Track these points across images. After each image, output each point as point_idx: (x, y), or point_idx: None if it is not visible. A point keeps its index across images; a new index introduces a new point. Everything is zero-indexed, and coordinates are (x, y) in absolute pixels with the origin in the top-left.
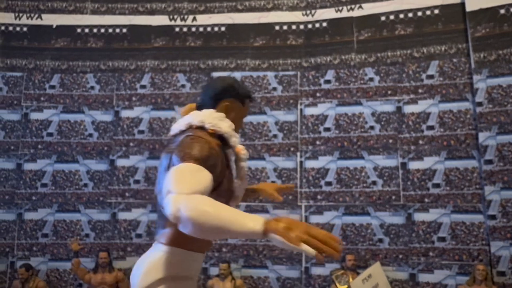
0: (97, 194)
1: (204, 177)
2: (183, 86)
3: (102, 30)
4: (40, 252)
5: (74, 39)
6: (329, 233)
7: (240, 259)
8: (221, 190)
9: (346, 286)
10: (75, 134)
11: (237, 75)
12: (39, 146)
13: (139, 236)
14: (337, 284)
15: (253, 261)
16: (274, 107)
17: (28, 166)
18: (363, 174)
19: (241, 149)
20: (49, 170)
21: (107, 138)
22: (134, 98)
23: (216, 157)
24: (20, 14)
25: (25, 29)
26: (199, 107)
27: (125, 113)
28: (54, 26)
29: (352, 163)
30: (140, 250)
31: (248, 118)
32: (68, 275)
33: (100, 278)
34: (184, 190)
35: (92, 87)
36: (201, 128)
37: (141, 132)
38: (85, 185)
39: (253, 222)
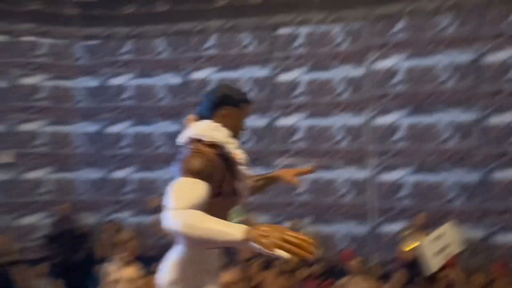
0: (174, 154)
1: (198, 189)
2: (246, 46)
3: None
4: (126, 207)
5: (141, 4)
6: (304, 236)
7: (308, 216)
8: (224, 192)
9: (414, 245)
10: (149, 98)
11: (302, 31)
12: (118, 111)
13: None
14: (405, 244)
15: (321, 218)
16: (340, 61)
17: (109, 130)
18: (436, 130)
19: (238, 154)
20: (129, 132)
21: (178, 101)
22: (200, 60)
23: (212, 167)
24: None
25: None
26: (200, 118)
27: (193, 75)
28: None
29: (423, 119)
30: None
31: (313, 76)
32: (149, 228)
33: None
34: (178, 205)
35: (161, 52)
36: (199, 140)
37: None
38: (161, 146)
39: (235, 233)
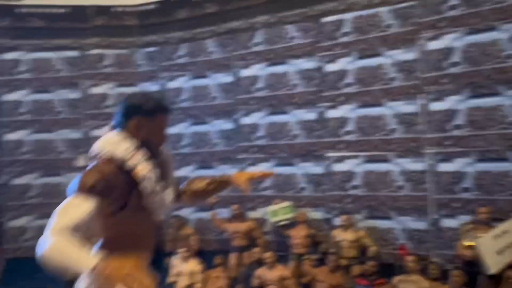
0: (227, 152)
1: (83, 208)
2: (293, 38)
3: None
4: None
5: (192, 8)
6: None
7: (363, 210)
8: (131, 205)
9: (472, 243)
10: (203, 98)
11: (348, 16)
12: (177, 112)
13: (266, 189)
14: (465, 240)
15: (376, 212)
16: (390, 46)
17: (171, 130)
18: (499, 113)
19: (139, 170)
20: (186, 132)
21: (230, 99)
22: (249, 57)
23: (107, 182)
24: None
25: (153, 6)
26: (114, 127)
27: (243, 73)
28: None
29: (485, 102)
30: (269, 202)
31: (362, 62)
32: (210, 223)
33: (235, 227)
34: (55, 225)
35: (213, 52)
36: (100, 155)
37: (259, 89)
38: (217, 144)
39: (85, 267)
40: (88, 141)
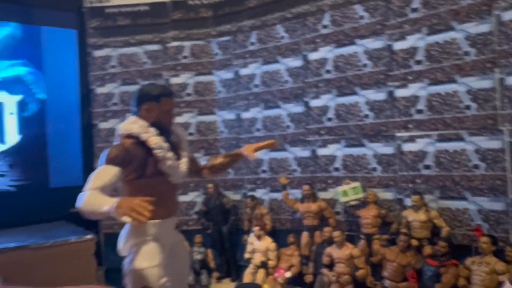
0: (298, 134)
1: (107, 174)
2: (361, 17)
3: None
4: (262, 185)
5: None
6: (145, 204)
7: (435, 190)
8: (147, 173)
9: None
10: (274, 82)
11: None
12: (250, 97)
13: (336, 169)
14: None
15: (450, 192)
16: (462, 19)
17: (245, 115)
18: None
19: (151, 141)
20: (259, 116)
21: (300, 82)
22: (318, 40)
23: (126, 154)
24: None
25: None
26: (132, 113)
27: (312, 56)
28: None
29: None
30: (339, 182)
31: (432, 38)
32: (283, 203)
33: (306, 207)
34: (87, 187)
35: (282, 37)
36: (122, 134)
37: (328, 71)
38: (288, 126)
39: (107, 206)
40: None
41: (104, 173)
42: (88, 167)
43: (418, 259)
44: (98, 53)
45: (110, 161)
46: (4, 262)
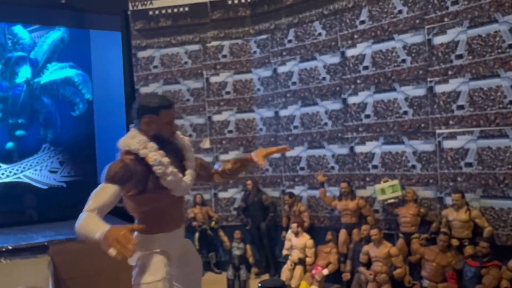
0: (336, 131)
1: (106, 193)
2: (400, 12)
3: None
4: (300, 182)
5: None
6: (129, 238)
7: (477, 189)
8: (149, 189)
9: None
10: (312, 80)
11: None
12: (288, 95)
13: (375, 167)
14: None
15: (493, 191)
16: (506, 10)
17: (282, 113)
18: None
19: (150, 158)
20: (297, 114)
21: (338, 79)
22: (355, 36)
23: (126, 171)
24: None
25: None
26: (134, 127)
27: (349, 52)
28: None
29: None
30: (377, 180)
31: (475, 32)
32: (321, 201)
33: (344, 205)
34: (87, 208)
35: (320, 34)
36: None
37: (366, 68)
38: (326, 124)
39: (98, 234)
40: (211, 125)
41: (103, 192)
42: None
43: (459, 259)
44: (142, 54)
45: (110, 179)
46: (55, 253)
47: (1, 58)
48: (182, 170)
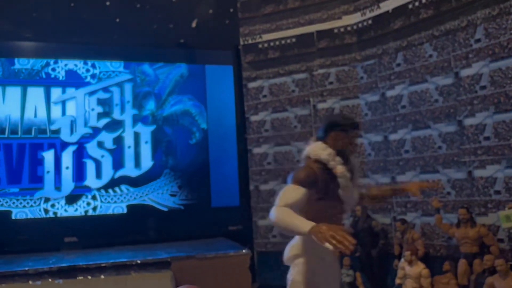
0: (451, 155)
1: (297, 194)
2: None
3: None
4: (413, 208)
5: (408, 16)
6: (347, 236)
7: None
8: (327, 197)
9: None
10: (423, 102)
11: None
12: (397, 119)
13: (497, 192)
14: None
15: None
16: None
17: (392, 137)
18: None
19: (338, 170)
20: (407, 137)
21: (452, 100)
22: (470, 55)
23: (314, 178)
24: (364, 10)
25: (370, 22)
26: (317, 139)
27: (464, 73)
28: (390, 11)
29: None
30: (501, 206)
31: None
32: (436, 228)
33: (463, 233)
34: (279, 203)
35: (430, 55)
36: (310, 157)
37: (483, 87)
38: (439, 147)
39: (304, 227)
40: None
41: (294, 193)
42: (244, 189)
43: None
44: (252, 84)
45: (300, 182)
46: (177, 268)
47: (132, 94)
48: (352, 186)
